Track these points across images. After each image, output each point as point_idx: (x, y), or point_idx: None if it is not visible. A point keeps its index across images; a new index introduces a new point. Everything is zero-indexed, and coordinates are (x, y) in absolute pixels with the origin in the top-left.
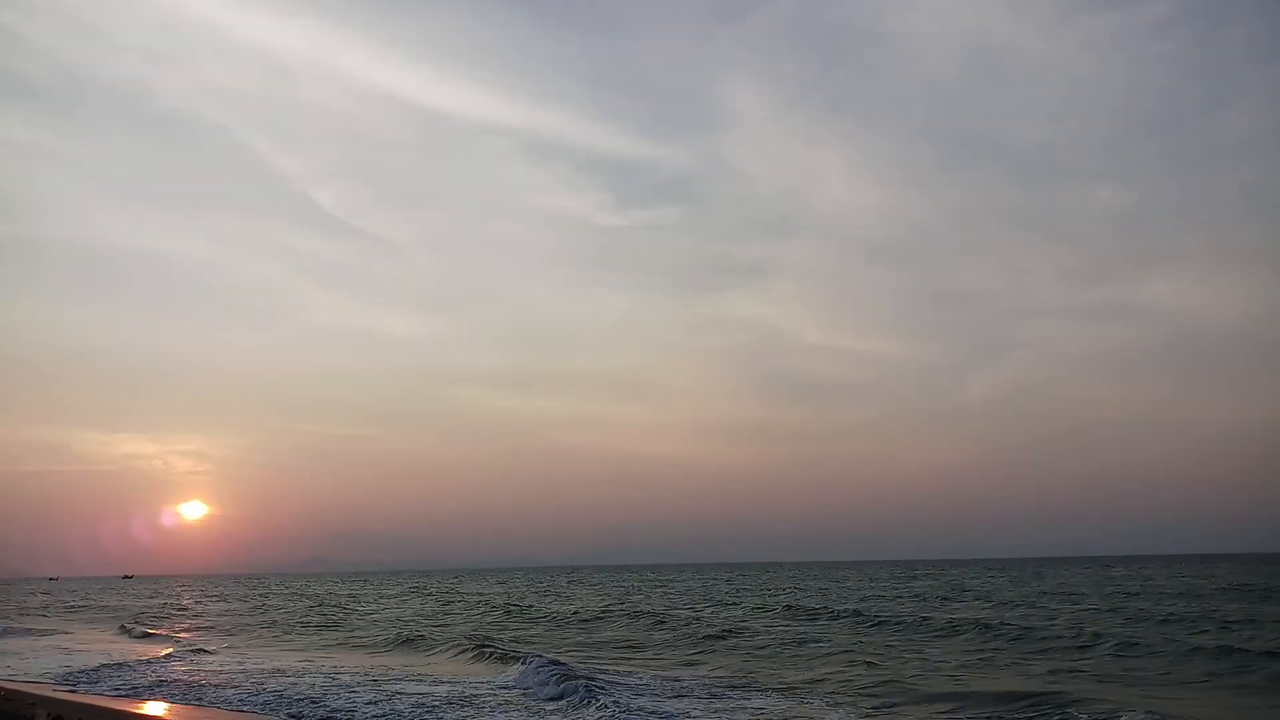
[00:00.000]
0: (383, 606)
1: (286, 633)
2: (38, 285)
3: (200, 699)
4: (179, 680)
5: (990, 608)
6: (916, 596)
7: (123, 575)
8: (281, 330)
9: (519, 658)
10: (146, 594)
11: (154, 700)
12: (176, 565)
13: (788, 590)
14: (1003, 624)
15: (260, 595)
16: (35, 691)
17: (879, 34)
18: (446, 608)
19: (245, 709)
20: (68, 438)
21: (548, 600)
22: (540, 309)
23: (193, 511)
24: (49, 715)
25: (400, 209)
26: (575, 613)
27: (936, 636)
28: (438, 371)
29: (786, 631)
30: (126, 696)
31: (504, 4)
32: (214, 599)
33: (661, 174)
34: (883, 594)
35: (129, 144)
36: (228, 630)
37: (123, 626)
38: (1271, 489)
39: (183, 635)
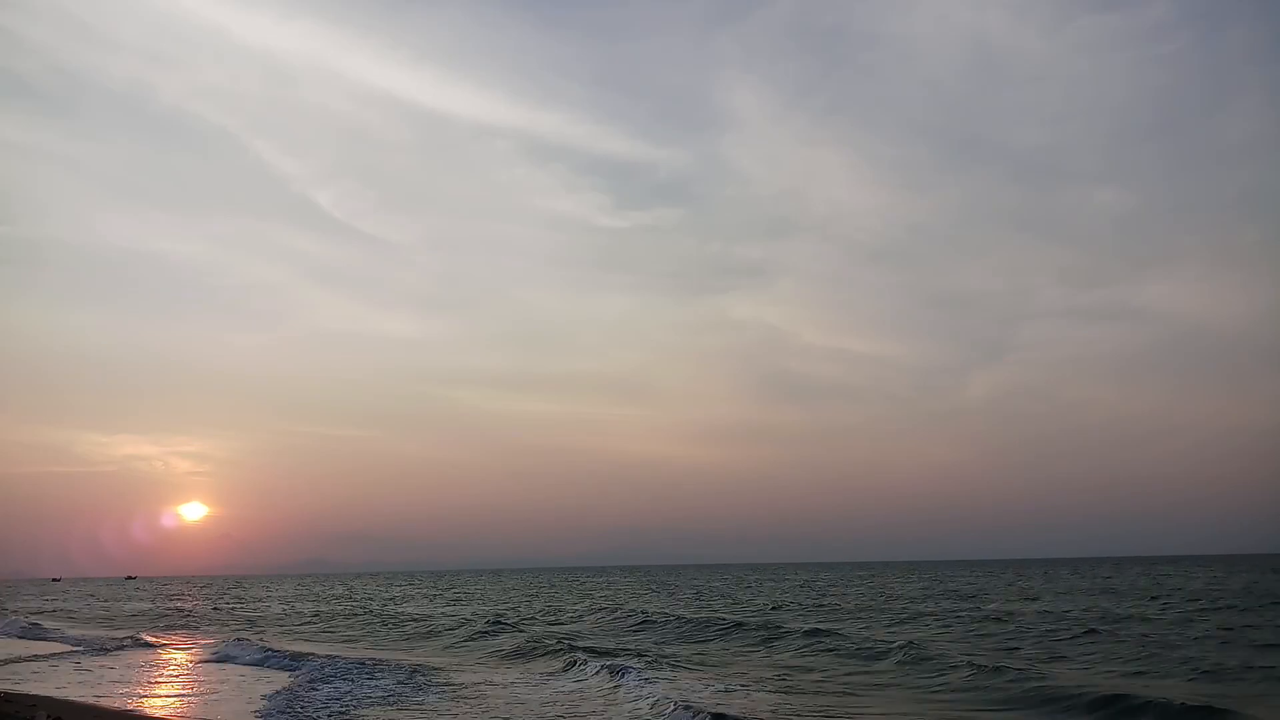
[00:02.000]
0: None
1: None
2: (38, 286)
3: None
4: None
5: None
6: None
7: (126, 576)
8: (282, 332)
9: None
10: (117, 595)
11: (155, 701)
12: (178, 566)
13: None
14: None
15: (216, 596)
16: (35, 693)
17: (879, 36)
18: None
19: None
20: (68, 439)
21: (452, 606)
22: (540, 310)
23: (193, 513)
24: (49, 716)
25: (401, 210)
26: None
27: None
28: (438, 373)
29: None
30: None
31: (504, 6)
32: (139, 600)
33: (661, 175)
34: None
35: (129, 145)
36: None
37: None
38: (1271, 490)
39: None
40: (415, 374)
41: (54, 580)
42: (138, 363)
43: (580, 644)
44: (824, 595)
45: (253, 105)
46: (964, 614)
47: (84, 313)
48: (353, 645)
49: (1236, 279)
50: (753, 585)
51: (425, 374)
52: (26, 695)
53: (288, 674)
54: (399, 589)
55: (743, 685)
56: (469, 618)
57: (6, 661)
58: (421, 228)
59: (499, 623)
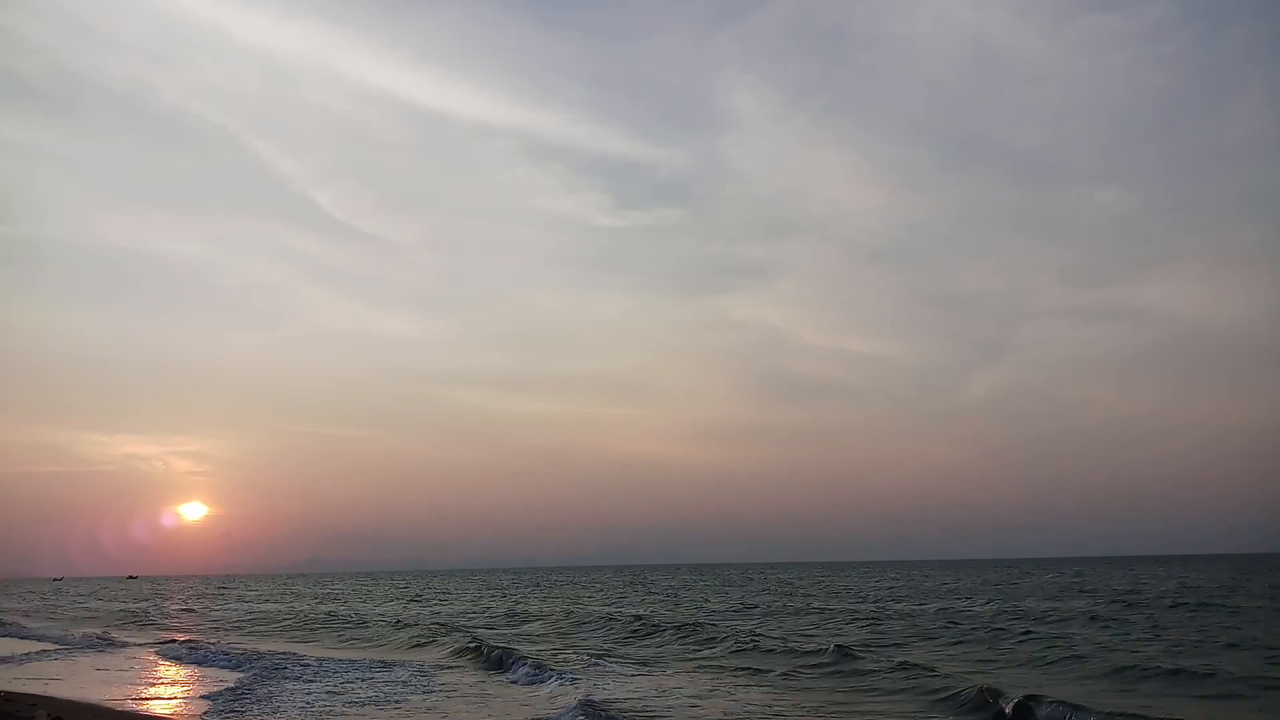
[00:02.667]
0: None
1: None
2: (38, 286)
3: None
4: None
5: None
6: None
7: (127, 576)
8: (281, 331)
9: None
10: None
11: (154, 701)
12: (179, 566)
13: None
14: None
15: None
16: (35, 692)
17: (879, 35)
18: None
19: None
20: (68, 439)
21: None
22: (540, 310)
23: (193, 512)
24: (49, 715)
25: (400, 210)
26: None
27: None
28: (438, 373)
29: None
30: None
31: (504, 5)
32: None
33: (661, 175)
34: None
35: (129, 145)
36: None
37: None
38: (1271, 489)
39: None
40: (415, 374)
41: (55, 580)
42: (138, 363)
43: (520, 645)
44: (797, 594)
45: (253, 105)
46: (913, 615)
47: (84, 313)
48: (303, 644)
49: (1236, 279)
50: (738, 584)
51: (425, 374)
52: (27, 695)
53: (237, 673)
54: (385, 589)
55: (661, 684)
56: (427, 619)
57: None
58: (421, 228)
59: (446, 625)
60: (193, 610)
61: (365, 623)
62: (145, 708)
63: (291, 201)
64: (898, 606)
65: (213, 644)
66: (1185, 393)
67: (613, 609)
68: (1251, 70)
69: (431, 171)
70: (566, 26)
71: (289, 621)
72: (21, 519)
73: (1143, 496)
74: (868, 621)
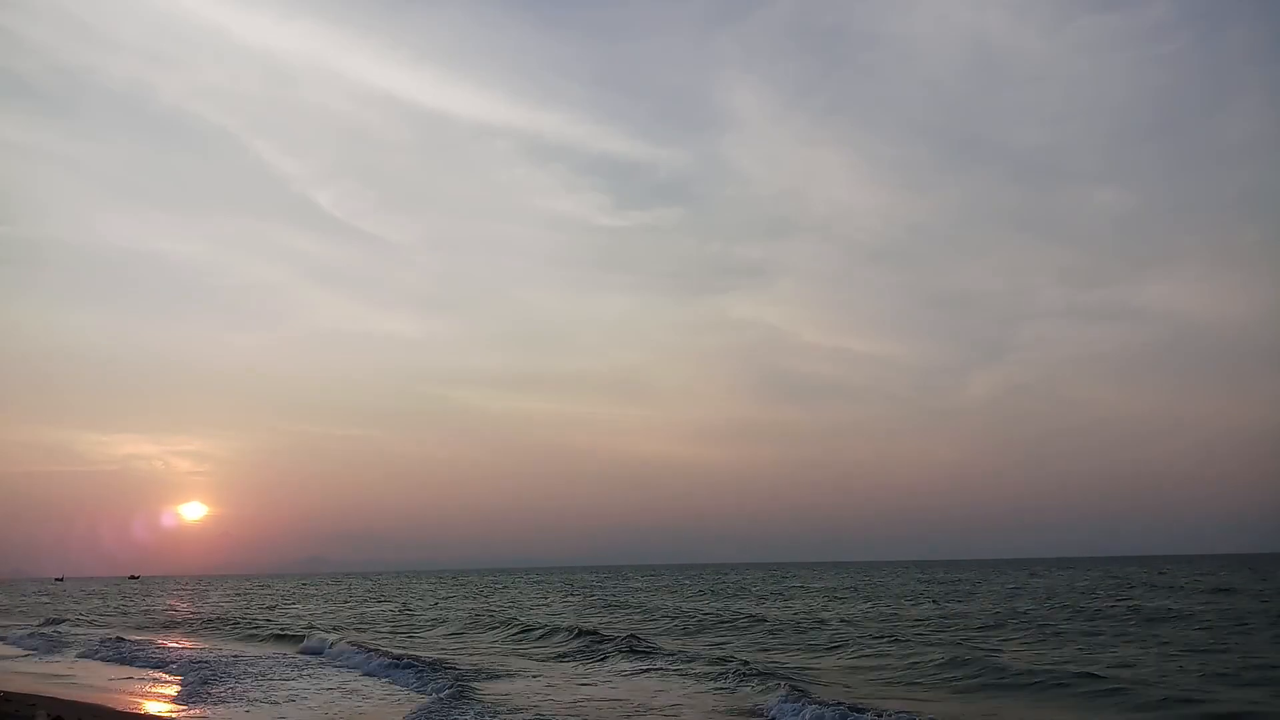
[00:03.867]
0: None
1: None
2: (38, 286)
3: None
4: None
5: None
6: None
7: (129, 576)
8: (282, 331)
9: None
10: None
11: (154, 701)
12: (178, 565)
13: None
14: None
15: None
16: (35, 691)
17: (879, 35)
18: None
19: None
20: (68, 438)
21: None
22: (540, 310)
23: (193, 512)
24: (49, 715)
25: (400, 210)
26: None
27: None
28: (438, 372)
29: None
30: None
31: (504, 5)
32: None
33: (661, 175)
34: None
35: (129, 145)
36: None
37: None
38: (1271, 489)
39: None
40: (415, 374)
41: (57, 580)
42: (138, 363)
43: (416, 647)
44: (746, 596)
45: (253, 105)
46: (823, 621)
47: (84, 313)
48: (212, 641)
49: (1236, 279)
50: (716, 584)
51: (425, 374)
52: (26, 695)
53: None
54: (361, 589)
55: (523, 684)
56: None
57: None
58: (421, 228)
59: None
60: (159, 612)
61: (296, 621)
62: (145, 708)
63: (291, 201)
64: (836, 610)
65: (134, 642)
66: (1185, 393)
67: (538, 611)
68: (1251, 70)
69: (431, 171)
70: (566, 26)
71: (227, 619)
72: (22, 519)
73: (1142, 496)
74: (769, 626)
